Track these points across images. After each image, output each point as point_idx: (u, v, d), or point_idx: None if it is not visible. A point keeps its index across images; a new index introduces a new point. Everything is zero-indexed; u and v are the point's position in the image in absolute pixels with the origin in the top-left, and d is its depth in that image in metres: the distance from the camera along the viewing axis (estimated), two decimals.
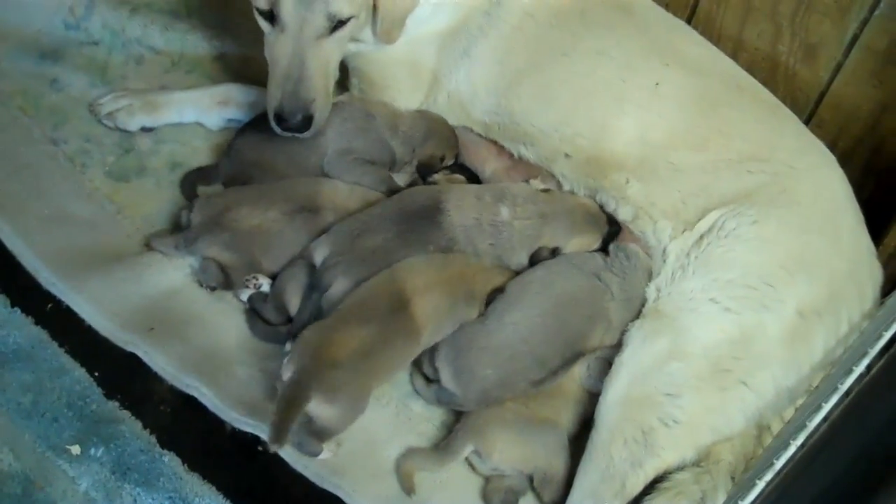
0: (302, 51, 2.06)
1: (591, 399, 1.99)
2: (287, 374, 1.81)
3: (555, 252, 2.13)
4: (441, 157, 2.30)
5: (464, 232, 2.10)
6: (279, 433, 1.75)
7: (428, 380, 2.03)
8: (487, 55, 2.29)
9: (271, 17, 2.06)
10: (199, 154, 2.32)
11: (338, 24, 2.07)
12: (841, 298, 2.01)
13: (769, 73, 2.41)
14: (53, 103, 2.34)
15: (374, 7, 2.15)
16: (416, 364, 2.04)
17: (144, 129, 2.34)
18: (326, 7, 2.04)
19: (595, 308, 2.03)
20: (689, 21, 2.47)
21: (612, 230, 2.17)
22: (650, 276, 2.10)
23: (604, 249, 2.15)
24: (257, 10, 2.08)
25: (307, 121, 2.10)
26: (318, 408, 1.81)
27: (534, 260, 2.13)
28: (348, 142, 2.24)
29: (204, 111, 2.37)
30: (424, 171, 2.31)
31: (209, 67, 2.50)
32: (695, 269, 2.04)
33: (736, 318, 1.97)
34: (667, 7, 2.40)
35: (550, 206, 2.16)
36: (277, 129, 2.12)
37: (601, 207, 2.20)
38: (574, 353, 1.99)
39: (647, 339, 1.98)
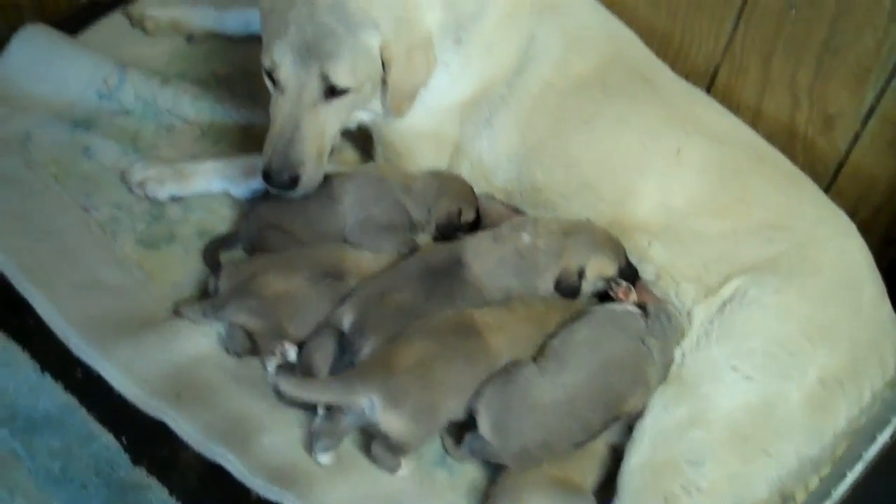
0: (297, 114, 2.11)
1: (615, 456, 2.00)
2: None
3: (581, 274, 2.14)
4: (458, 213, 2.30)
5: (489, 278, 2.13)
6: (294, 387, 1.93)
7: (458, 432, 2.03)
8: (509, 124, 2.33)
9: (274, 78, 2.12)
10: (227, 222, 2.35)
11: (335, 91, 2.11)
12: (863, 367, 2.02)
13: (788, 142, 2.44)
14: (85, 171, 2.39)
15: (384, 80, 2.20)
16: None
17: (174, 198, 2.38)
18: (322, 73, 2.08)
19: (637, 372, 2.03)
20: (708, 91, 2.52)
21: (631, 271, 2.18)
22: (681, 338, 2.11)
23: (642, 308, 2.13)
24: (265, 70, 2.14)
25: (293, 181, 2.14)
26: (384, 415, 1.88)
27: (561, 285, 2.15)
28: (366, 210, 2.27)
29: (232, 181, 2.40)
30: (445, 231, 2.32)
31: (238, 136, 2.54)
32: (717, 336, 2.06)
33: (758, 387, 1.98)
34: (686, 77, 2.44)
35: (572, 225, 2.19)
36: (266, 185, 2.16)
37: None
38: (614, 417, 2.00)
39: (670, 405, 1.99)
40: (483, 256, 2.15)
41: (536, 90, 2.32)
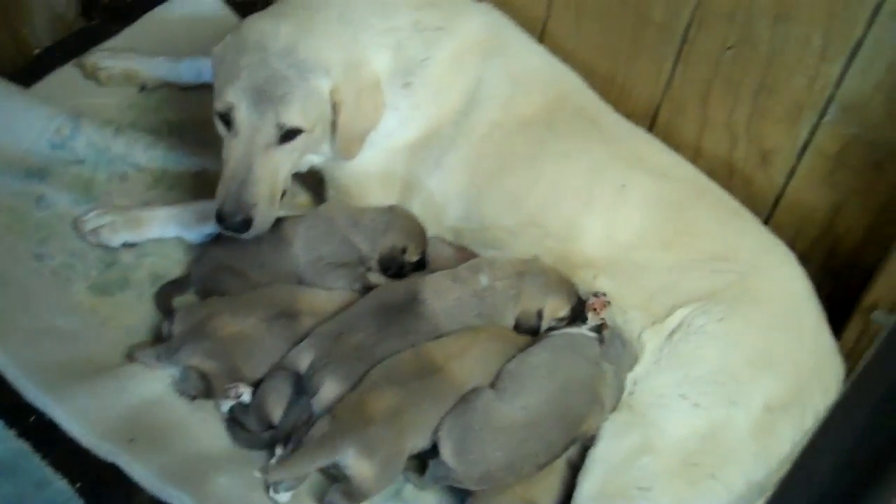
0: (250, 156, 2.15)
1: (574, 474, 2.03)
2: (322, 428, 1.92)
3: (539, 315, 2.18)
4: (402, 249, 2.32)
5: (446, 316, 2.15)
6: (285, 470, 1.91)
7: (419, 459, 2.04)
8: (458, 164, 2.38)
9: (227, 121, 2.16)
10: (181, 266, 2.37)
11: (287, 134, 2.16)
12: (806, 392, 2.07)
13: (727, 177, 2.50)
14: (39, 220, 2.40)
15: (334, 123, 2.24)
16: None
17: (126, 245, 2.39)
18: (277, 117, 2.13)
19: (593, 394, 2.06)
20: (650, 129, 2.57)
21: (581, 308, 2.21)
22: (634, 365, 2.15)
23: (598, 332, 2.17)
24: (217, 113, 2.18)
25: (246, 223, 2.16)
26: (356, 463, 1.89)
27: (521, 325, 2.19)
28: (316, 249, 2.30)
29: (185, 226, 2.42)
30: (387, 266, 2.33)
31: (190, 183, 2.56)
32: (666, 364, 2.11)
33: (705, 414, 2.02)
34: (629, 117, 2.51)
35: (526, 266, 2.23)
36: (219, 228, 2.19)
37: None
38: (573, 438, 2.03)
39: (620, 433, 2.03)
40: (442, 295, 2.18)
41: (484, 131, 2.37)
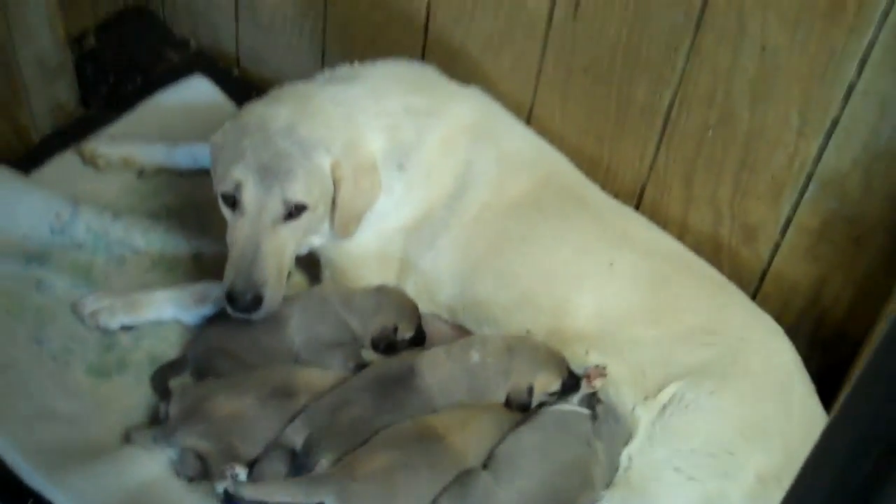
0: (258, 234, 2.20)
1: None
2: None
3: (530, 391, 2.19)
4: (394, 328, 2.34)
5: (440, 390, 2.18)
6: (252, 489, 1.95)
7: None
8: (450, 244, 2.43)
9: (233, 203, 2.21)
10: (178, 348, 2.39)
11: (293, 211, 2.22)
12: (797, 463, 2.02)
13: (713, 253, 2.56)
14: (38, 304, 2.42)
15: (334, 202, 2.30)
16: None
17: (125, 328, 2.42)
18: (283, 193, 2.19)
19: (584, 474, 2.07)
20: (636, 208, 2.64)
21: (573, 382, 2.22)
22: (628, 441, 2.16)
23: (591, 409, 2.18)
24: (222, 196, 2.24)
25: (257, 301, 2.19)
26: None
27: (512, 402, 2.20)
28: (311, 330, 2.34)
29: (182, 309, 2.45)
30: (380, 345, 2.35)
31: (188, 266, 2.60)
32: (660, 439, 2.12)
33: (700, 486, 2.04)
34: (616, 196, 2.58)
35: (516, 341, 2.25)
36: (229, 310, 2.22)
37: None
38: None
39: None
40: (437, 369, 2.20)
41: (475, 213, 2.43)
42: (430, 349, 2.28)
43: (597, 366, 2.22)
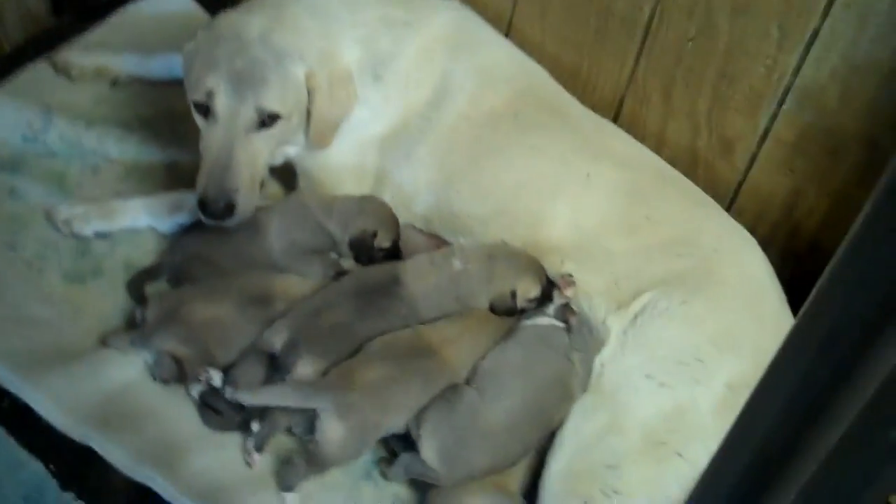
0: (231, 142, 2.18)
1: (539, 454, 2.07)
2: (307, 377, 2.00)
3: (513, 296, 2.21)
4: (373, 234, 2.34)
5: (425, 299, 2.19)
6: (254, 396, 1.98)
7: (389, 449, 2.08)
8: (427, 155, 2.43)
9: (206, 111, 2.20)
10: (153, 255, 2.38)
11: (266, 119, 2.20)
12: None
13: (691, 165, 2.57)
14: (11, 212, 2.40)
15: (308, 113, 2.29)
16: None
17: (98, 235, 2.40)
18: (256, 101, 2.17)
19: (565, 387, 2.10)
20: (615, 120, 2.64)
21: (552, 286, 2.24)
22: (601, 349, 2.19)
23: (565, 322, 2.20)
24: (194, 104, 2.22)
25: (229, 208, 2.19)
26: (329, 422, 1.92)
27: (498, 308, 2.22)
28: (290, 236, 2.34)
29: (157, 217, 2.44)
30: (357, 250, 2.35)
31: (162, 175, 2.58)
32: (632, 346, 2.15)
33: (670, 393, 2.07)
34: (594, 108, 2.57)
35: (495, 249, 2.27)
36: (202, 217, 2.21)
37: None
38: (547, 432, 2.07)
39: (588, 413, 2.07)
40: (421, 278, 2.21)
41: (452, 123, 2.42)
42: (413, 258, 2.29)
43: (563, 275, 2.24)
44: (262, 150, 2.25)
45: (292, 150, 2.41)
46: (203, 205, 2.19)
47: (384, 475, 2.08)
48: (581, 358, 2.14)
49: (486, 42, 2.54)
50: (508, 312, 2.23)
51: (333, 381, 2.00)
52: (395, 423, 2.03)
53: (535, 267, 2.25)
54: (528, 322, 2.20)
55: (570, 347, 2.13)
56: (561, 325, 2.17)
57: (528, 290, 2.23)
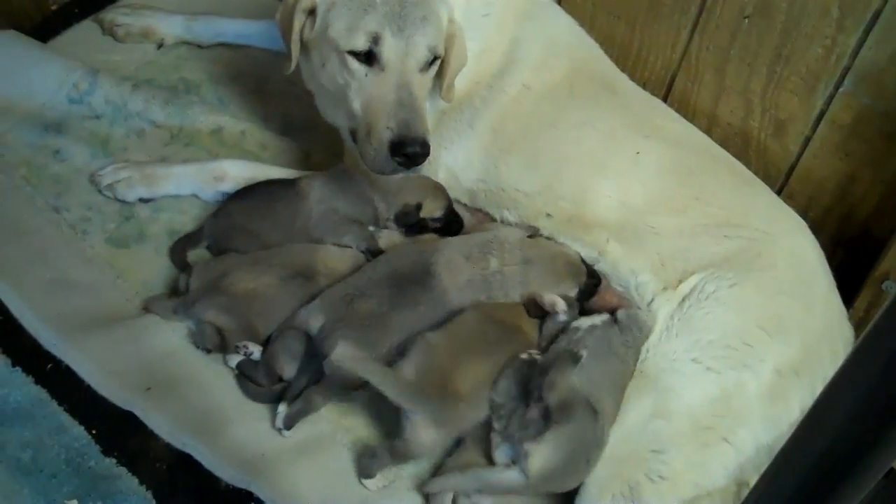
0: (408, 83, 2.13)
1: None
2: (409, 375, 1.94)
3: (550, 303, 2.15)
4: (417, 206, 2.31)
5: (457, 293, 2.15)
6: (356, 363, 1.91)
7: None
8: (486, 125, 2.38)
9: (368, 59, 2.14)
10: (197, 222, 2.38)
11: (432, 60, 2.17)
12: (815, 358, 2.09)
13: (742, 147, 2.52)
14: (56, 173, 2.41)
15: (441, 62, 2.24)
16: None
17: (142, 201, 2.41)
18: (425, 39, 2.14)
19: (625, 389, 2.06)
20: (665, 98, 2.60)
21: (593, 282, 2.21)
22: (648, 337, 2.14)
23: (611, 313, 2.16)
24: (352, 53, 2.13)
25: (426, 147, 2.11)
26: (422, 429, 1.90)
27: (530, 311, 2.16)
28: (329, 202, 2.31)
29: (200, 185, 2.43)
30: (403, 223, 2.33)
31: (207, 140, 2.57)
32: (678, 330, 2.11)
33: (717, 378, 2.04)
34: (644, 85, 2.52)
35: (533, 251, 2.21)
36: (390, 166, 2.12)
37: (582, 259, 2.24)
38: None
39: (633, 398, 2.04)
40: (455, 273, 2.17)
41: (514, 93, 2.38)
42: (447, 248, 2.22)
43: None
44: (426, 93, 2.20)
45: None
46: (401, 147, 2.09)
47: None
48: (633, 354, 2.10)
49: (550, 13, 2.50)
50: (542, 317, 2.19)
51: (435, 390, 1.93)
52: (485, 412, 1.99)
53: (571, 268, 2.21)
54: (584, 324, 2.13)
55: (622, 345, 2.09)
56: (611, 321, 2.12)
57: (566, 291, 2.19)
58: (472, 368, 1.99)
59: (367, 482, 1.97)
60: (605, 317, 2.13)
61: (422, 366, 1.96)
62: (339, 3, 2.15)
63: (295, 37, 2.20)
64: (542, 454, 1.87)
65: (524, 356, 2.01)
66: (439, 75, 2.26)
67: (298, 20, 2.19)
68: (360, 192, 2.33)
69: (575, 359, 1.98)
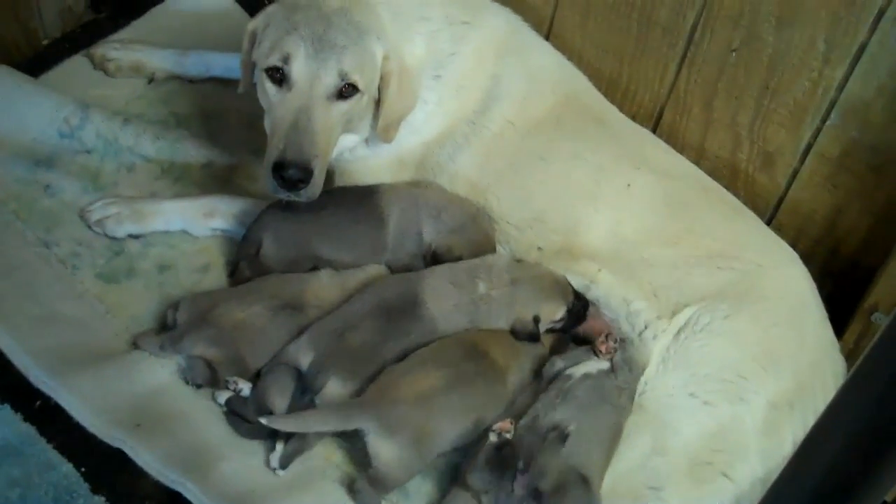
0: (310, 107, 2.12)
1: None
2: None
3: (536, 321, 2.16)
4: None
5: (444, 320, 2.16)
6: (290, 422, 1.93)
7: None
8: (470, 160, 2.39)
9: (279, 78, 2.14)
10: (187, 257, 2.38)
11: (345, 88, 2.15)
12: (808, 391, 2.09)
13: (730, 179, 2.54)
14: (46, 208, 2.40)
15: (377, 105, 2.25)
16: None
17: (132, 237, 2.39)
18: (339, 64, 2.12)
19: (621, 430, 2.06)
20: (654, 130, 2.61)
21: (581, 304, 2.20)
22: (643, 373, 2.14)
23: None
24: (267, 70, 2.15)
25: (307, 175, 2.10)
26: (378, 444, 1.90)
27: (519, 333, 2.16)
28: (402, 241, 2.34)
29: (190, 221, 2.42)
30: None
31: (197, 175, 2.57)
32: (674, 364, 2.12)
33: (714, 412, 2.05)
34: (634, 118, 2.54)
35: (520, 272, 2.21)
36: (272, 187, 2.13)
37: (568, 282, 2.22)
38: None
39: (632, 434, 2.05)
40: (441, 299, 2.17)
41: (497, 129, 2.39)
42: (433, 276, 2.22)
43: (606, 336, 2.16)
44: (336, 123, 2.17)
45: (350, 140, 2.33)
46: (280, 168, 2.09)
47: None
48: (627, 395, 2.09)
49: (534, 47, 2.51)
50: (531, 339, 2.18)
51: (374, 398, 1.97)
52: (456, 428, 2.00)
53: (559, 289, 2.20)
54: (578, 372, 2.11)
55: (619, 389, 2.08)
56: (606, 366, 2.11)
57: (553, 312, 2.19)
58: (420, 377, 2.00)
59: None
60: (601, 365, 2.11)
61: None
62: (272, 25, 2.18)
63: (244, 58, 2.25)
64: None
65: (493, 437, 1.95)
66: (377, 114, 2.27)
67: (246, 42, 2.24)
68: (418, 230, 2.33)
69: (562, 438, 1.96)
